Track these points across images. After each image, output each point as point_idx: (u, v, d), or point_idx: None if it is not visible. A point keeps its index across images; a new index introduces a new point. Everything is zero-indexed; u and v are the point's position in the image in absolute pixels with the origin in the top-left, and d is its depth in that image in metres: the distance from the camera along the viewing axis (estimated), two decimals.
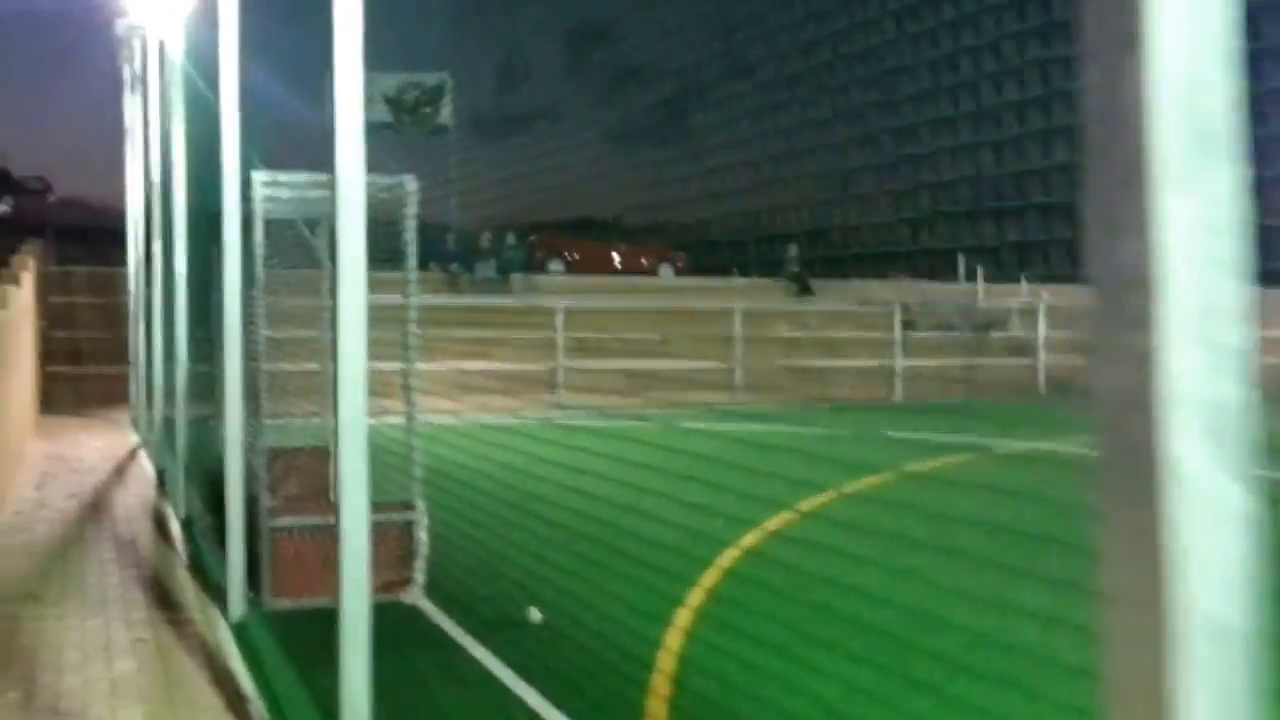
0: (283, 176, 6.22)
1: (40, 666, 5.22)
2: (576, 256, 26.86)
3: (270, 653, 5.61)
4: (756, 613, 5.39)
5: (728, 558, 7.46)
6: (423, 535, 6.40)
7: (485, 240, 23.69)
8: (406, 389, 6.31)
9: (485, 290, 22.12)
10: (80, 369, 19.32)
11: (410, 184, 6.10)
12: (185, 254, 8.90)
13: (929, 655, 4.66)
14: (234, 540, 5.93)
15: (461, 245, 23.62)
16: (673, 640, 5.63)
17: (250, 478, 6.39)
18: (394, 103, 26.40)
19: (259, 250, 6.22)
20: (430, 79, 27.12)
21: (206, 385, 8.99)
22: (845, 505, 8.58)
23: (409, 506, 6.42)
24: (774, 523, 8.66)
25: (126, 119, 17.08)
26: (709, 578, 6.82)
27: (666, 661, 5.28)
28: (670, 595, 5.98)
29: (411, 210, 6.10)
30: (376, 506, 6.68)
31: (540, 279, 23.92)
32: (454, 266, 22.56)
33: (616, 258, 27.90)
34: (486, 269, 22.98)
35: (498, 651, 5.49)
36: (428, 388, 8.45)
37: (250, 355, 6.31)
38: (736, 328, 20.01)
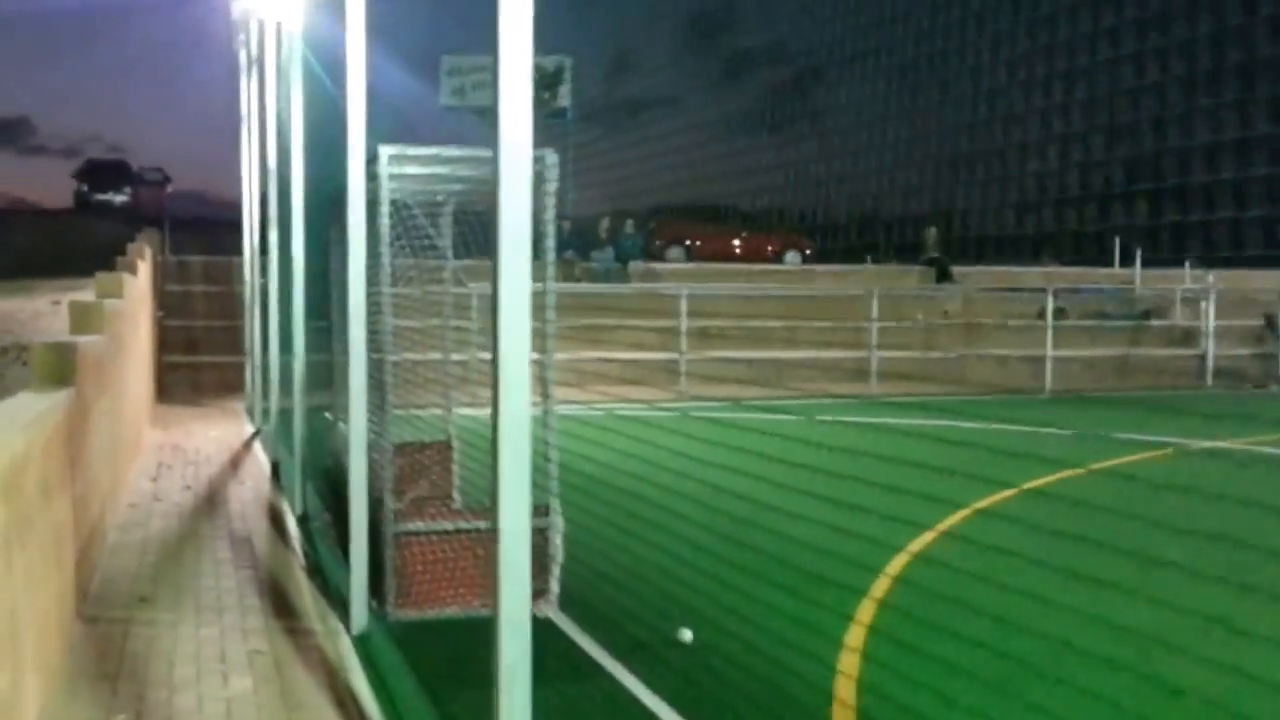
0: (411, 151, 5.84)
1: (151, 683, 4.94)
2: (698, 243, 26.33)
3: (396, 671, 5.25)
4: (943, 629, 4.81)
5: (897, 564, 6.91)
6: (558, 542, 5.98)
7: (604, 228, 23.34)
8: (542, 381, 5.89)
9: (603, 279, 21.77)
10: (196, 358, 19.51)
11: (550, 157, 5.67)
12: (303, 241, 8.65)
13: (1165, 689, 4.07)
14: (357, 546, 5.59)
15: (578, 233, 23.32)
16: (848, 664, 5.12)
17: (372, 477, 6.06)
18: None
19: (384, 233, 5.85)
20: (549, 62, 26.76)
21: (324, 376, 8.75)
22: (1027, 503, 7.96)
23: (544, 510, 6.00)
24: (946, 523, 8.07)
25: (242, 104, 17.12)
26: (879, 587, 6.27)
27: (845, 689, 4.76)
28: (838, 609, 5.46)
29: (551, 186, 5.68)
30: None
31: (660, 267, 23.48)
32: (570, 254, 22.27)
33: (739, 244, 27.32)
34: (604, 257, 22.63)
35: (645, 676, 5.04)
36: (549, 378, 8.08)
37: (374, 346, 5.97)
38: (874, 314, 19.30)
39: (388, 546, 5.86)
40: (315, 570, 7.07)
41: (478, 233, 7.63)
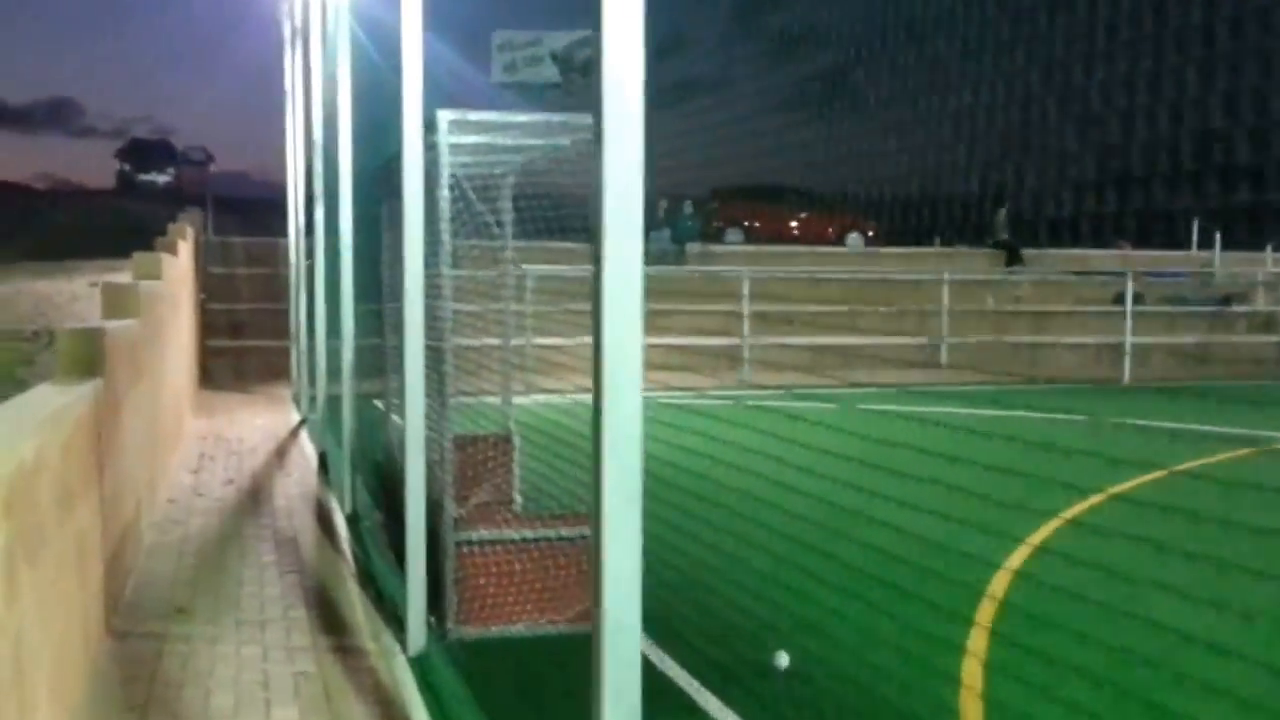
0: (474, 116, 5.25)
1: (186, 712, 4.40)
2: (757, 225, 25.62)
3: (458, 697, 4.70)
4: (1063, 664, 4.18)
5: (999, 583, 6.27)
6: None
7: (661, 209, 22.71)
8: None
9: (660, 261, 21.15)
10: (240, 342, 19.12)
11: None
12: (351, 218, 8.11)
13: None
14: (414, 557, 5.03)
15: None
16: (970, 708, 4.50)
17: (430, 478, 5.49)
18: (563, 61, 25.54)
19: (444, 209, 5.26)
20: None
21: (374, 363, 8.22)
22: (1124, 512, 7.30)
23: None
24: (1039, 534, 7.45)
25: (287, 78, 16.67)
26: (984, 613, 5.64)
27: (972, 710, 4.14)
28: (943, 635, 4.85)
29: None
30: (574, 518, 5.76)
31: (719, 249, 22.81)
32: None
33: (798, 226, 26.58)
34: (661, 239, 21.99)
35: (743, 710, 4.46)
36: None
37: (432, 332, 5.40)
38: (944, 299, 18.56)
39: (448, 557, 5.29)
40: (367, 578, 6.53)
41: (537, 211, 7.08)
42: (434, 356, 5.54)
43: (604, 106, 2.39)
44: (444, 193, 5.24)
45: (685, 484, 5.53)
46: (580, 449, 5.49)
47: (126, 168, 45.49)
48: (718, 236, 25.02)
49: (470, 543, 5.30)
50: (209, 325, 18.90)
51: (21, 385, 8.61)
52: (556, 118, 5.15)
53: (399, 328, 7.56)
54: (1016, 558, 6.84)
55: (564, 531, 5.31)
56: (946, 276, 18.88)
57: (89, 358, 5.50)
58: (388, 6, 8.69)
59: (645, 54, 2.49)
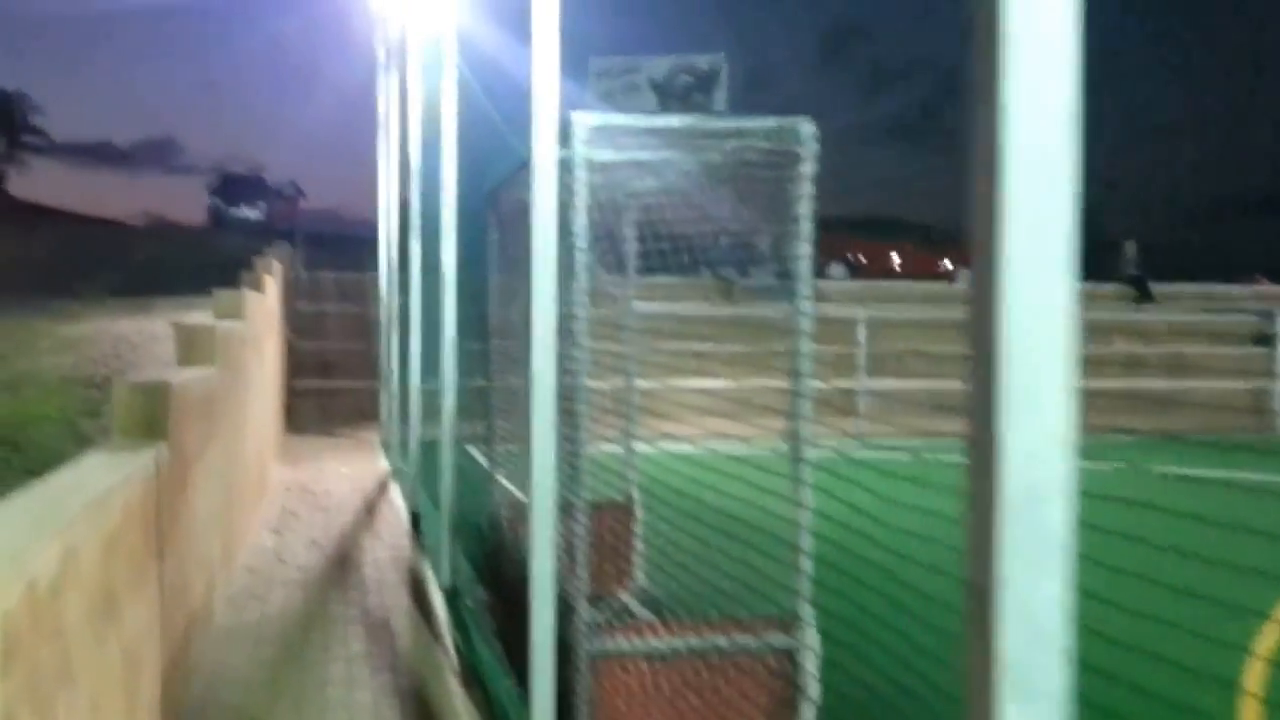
0: (621, 120, 4.25)
1: None
2: (862, 259, 24.44)
3: None
4: None
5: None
6: (812, 670, 4.31)
7: (764, 241, 21.60)
8: (795, 418, 4.27)
9: (763, 298, 20.04)
10: (328, 383, 18.40)
11: (806, 128, 4.05)
12: (454, 251, 7.19)
13: None
14: (540, 677, 3.99)
15: (736, 247, 21.58)
16: None
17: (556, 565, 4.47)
18: (661, 89, 24.66)
19: (581, 234, 4.26)
20: (702, 61, 25.12)
21: (476, 406, 7.29)
22: None
23: (790, 622, 4.34)
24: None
25: (380, 106, 15.97)
26: None
27: None
28: None
29: (808, 170, 4.05)
30: (739, 625, 4.70)
31: (826, 285, 21.67)
32: (728, 271, 20.63)
33: (908, 260, 25.34)
34: (764, 274, 20.89)
35: None
36: (708, 408, 6.53)
37: (563, 378, 4.39)
38: (1078, 339, 17.17)
39: (579, 672, 4.26)
40: (471, 675, 5.52)
41: (673, 240, 6.10)
42: (566, 409, 4.54)
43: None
44: (580, 218, 4.24)
45: (830, 558, 4.45)
46: (751, 523, 4.46)
47: (217, 203, 45.55)
48: (820, 271, 23.90)
49: (612, 655, 4.26)
50: (296, 364, 18.21)
51: (83, 441, 7.82)
52: (726, 123, 4.15)
53: (506, 370, 6.64)
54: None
55: (735, 641, 4.26)
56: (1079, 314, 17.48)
57: (150, 417, 4.59)
58: (495, 27, 7.86)
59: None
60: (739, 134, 4.15)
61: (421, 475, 10.19)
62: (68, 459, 4.20)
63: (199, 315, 10.46)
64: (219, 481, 6.67)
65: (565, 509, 5.92)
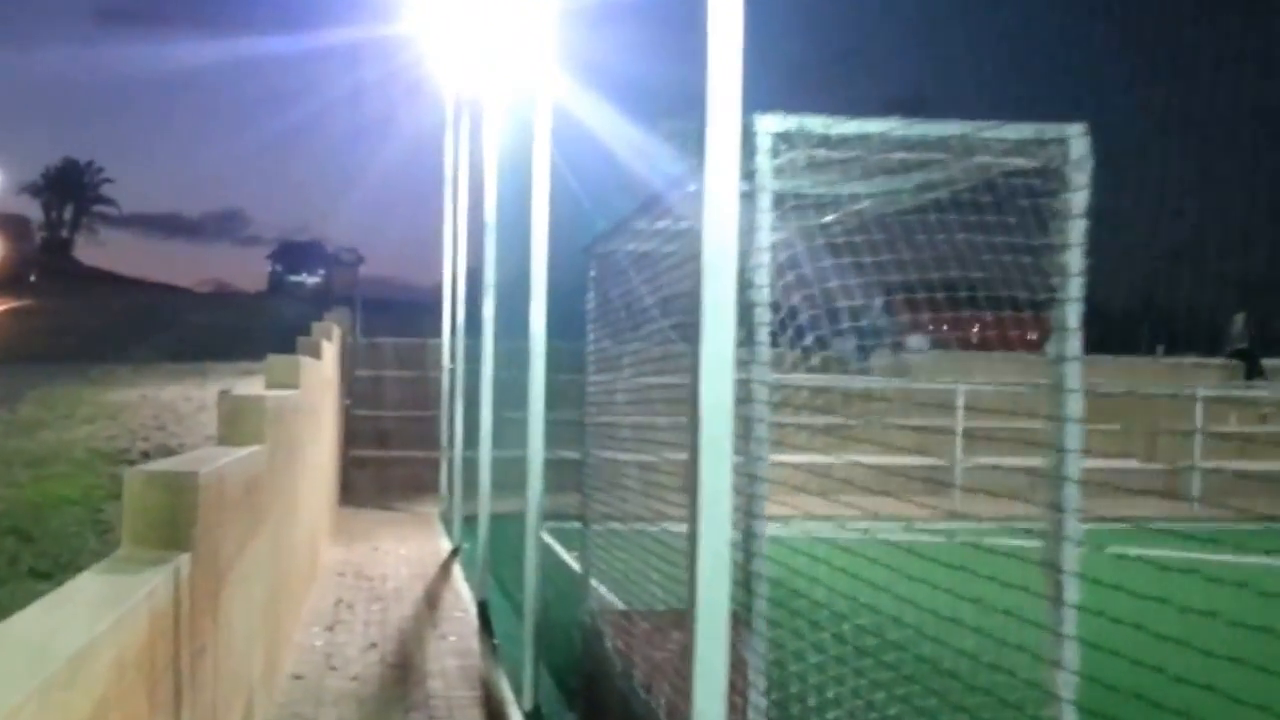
0: (817, 123, 3.13)
1: None
2: (944, 328, 23.14)
3: None
4: None
5: None
6: None
7: (847, 311, 20.40)
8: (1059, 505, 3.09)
9: (844, 369, 18.84)
10: (386, 453, 17.38)
11: (1077, 137, 2.92)
12: (544, 312, 6.14)
13: None
14: None
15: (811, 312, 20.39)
16: None
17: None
18: None
19: (763, 283, 3.14)
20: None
21: (565, 481, 6.22)
22: None
23: None
24: None
25: (447, 165, 15.10)
26: None
27: None
28: None
29: (1080, 195, 2.93)
30: None
31: (913, 357, 20.40)
32: (808, 340, 19.39)
33: (988, 329, 23.97)
34: (845, 343, 19.66)
35: None
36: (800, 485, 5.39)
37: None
38: (1198, 418, 15.85)
39: None
40: None
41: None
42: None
43: None
44: (762, 263, 3.12)
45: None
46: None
47: (278, 269, 45.05)
48: (900, 341, 22.61)
49: None
50: (352, 433, 17.23)
51: (104, 531, 6.79)
52: (959, 129, 3.03)
53: (609, 444, 5.52)
54: None
55: None
56: (1201, 392, 16.16)
57: (171, 520, 3.51)
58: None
59: None
60: (982, 145, 3.05)
61: (492, 558, 9.08)
62: (85, 553, 3.19)
63: (252, 383, 9.46)
64: (263, 581, 5.58)
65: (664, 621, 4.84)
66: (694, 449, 2.76)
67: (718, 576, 2.80)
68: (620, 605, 5.51)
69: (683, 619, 5.37)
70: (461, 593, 9.43)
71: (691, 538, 2.84)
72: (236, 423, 5.52)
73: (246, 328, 23.16)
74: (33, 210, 70.58)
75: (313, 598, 8.77)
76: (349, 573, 10.14)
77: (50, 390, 11.65)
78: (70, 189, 70.83)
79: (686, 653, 2.93)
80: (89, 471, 8.31)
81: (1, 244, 35.92)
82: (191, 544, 3.51)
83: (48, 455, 8.58)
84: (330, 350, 12.91)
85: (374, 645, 7.44)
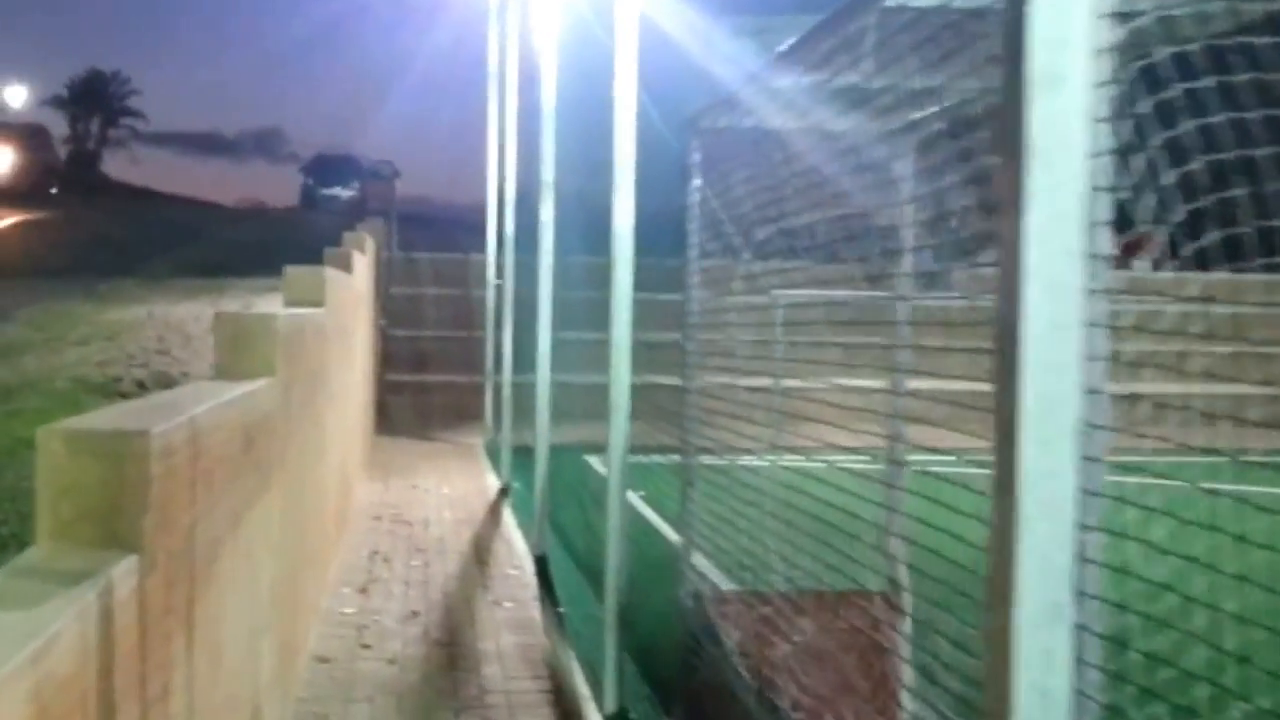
0: None
1: None
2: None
3: None
4: None
5: None
6: None
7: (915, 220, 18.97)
8: None
9: (919, 287, 17.39)
10: (425, 377, 16.27)
11: None
12: (631, 215, 4.88)
13: None
14: None
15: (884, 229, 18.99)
16: None
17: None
18: None
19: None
20: None
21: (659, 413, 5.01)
22: None
23: None
24: None
25: (491, 53, 13.77)
26: None
27: None
28: None
29: None
30: None
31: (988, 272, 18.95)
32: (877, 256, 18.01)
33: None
34: (922, 259, 18.26)
35: None
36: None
37: None
38: None
39: None
40: None
41: None
42: None
43: None
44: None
45: None
46: None
47: (310, 183, 43.61)
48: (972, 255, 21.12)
49: None
50: (390, 355, 16.13)
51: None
52: None
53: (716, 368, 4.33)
54: None
55: None
56: None
57: (110, 503, 2.32)
58: None
59: None
60: None
61: (551, 503, 7.94)
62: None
63: (273, 301, 8.31)
64: (275, 552, 4.42)
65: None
66: (1017, 373, 1.53)
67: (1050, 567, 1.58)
68: (733, 584, 4.33)
69: (833, 603, 4.15)
70: (514, 543, 8.30)
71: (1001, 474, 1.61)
72: (239, 350, 4.34)
73: (275, 242, 22.02)
74: (59, 125, 69.73)
75: (343, 550, 7.66)
76: (385, 516, 9.03)
77: (47, 307, 10.54)
78: (96, 100, 69.68)
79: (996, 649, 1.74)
80: (68, 406, 7.19)
81: (17, 154, 34.86)
82: (140, 540, 2.32)
83: (22, 386, 7.47)
84: (363, 264, 11.70)
85: (415, 614, 6.31)
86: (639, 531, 6.04)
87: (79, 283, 12.83)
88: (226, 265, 16.93)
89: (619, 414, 4.79)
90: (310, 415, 5.85)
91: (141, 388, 8.61)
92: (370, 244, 13.46)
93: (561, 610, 6.41)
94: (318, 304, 6.58)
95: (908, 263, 4.22)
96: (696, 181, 4.55)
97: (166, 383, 8.66)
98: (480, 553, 8.02)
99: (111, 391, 8.08)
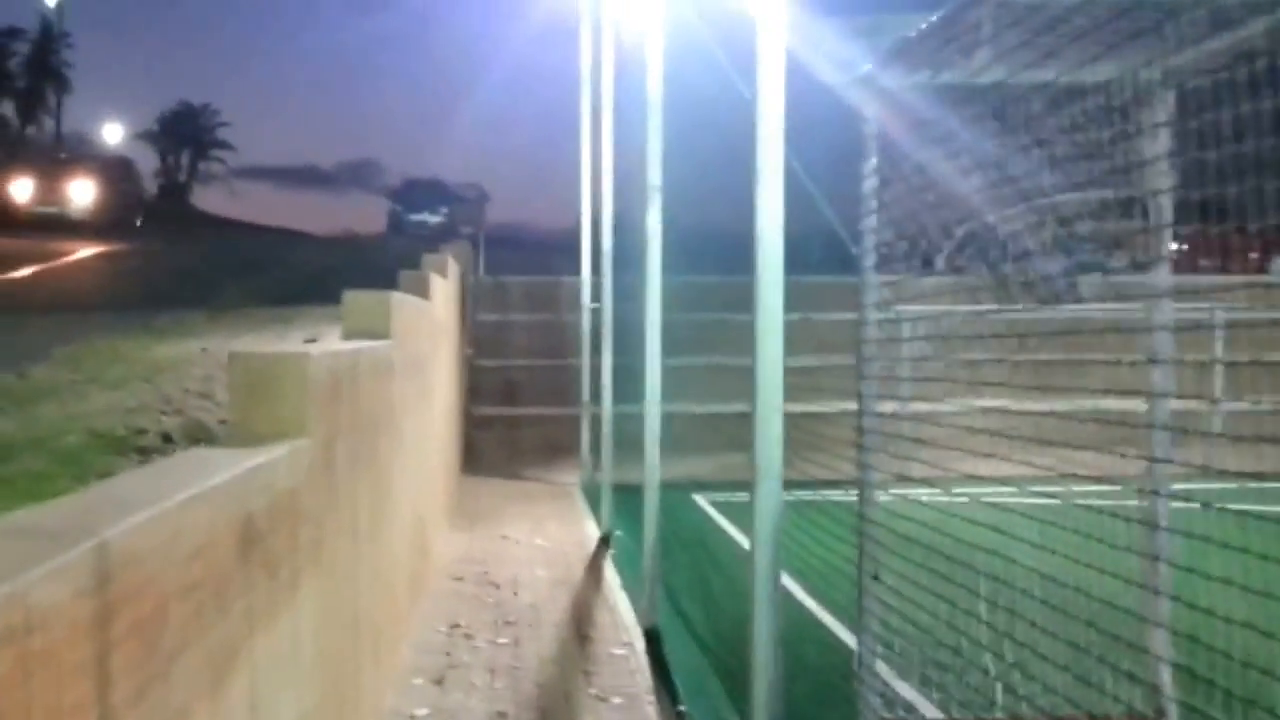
0: None
1: None
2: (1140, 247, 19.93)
3: None
4: None
5: None
6: None
7: (1048, 229, 17.53)
8: None
9: (1045, 300, 15.94)
10: (514, 410, 15.24)
11: None
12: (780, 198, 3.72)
13: None
14: None
15: (1009, 236, 17.55)
16: None
17: None
18: None
19: None
20: None
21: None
22: None
23: None
24: None
25: (584, 52, 12.81)
26: None
27: None
28: None
29: None
30: None
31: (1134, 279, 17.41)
32: (1006, 265, 16.62)
33: (1191, 248, 20.68)
34: (1052, 266, 16.79)
35: None
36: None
37: None
38: None
39: None
40: None
41: None
42: None
43: None
44: None
45: None
46: None
47: (397, 209, 42.95)
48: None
49: None
50: (476, 387, 15.14)
51: None
52: None
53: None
54: None
55: None
56: None
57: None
58: None
59: None
60: None
61: (664, 565, 6.82)
62: None
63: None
64: (308, 668, 3.33)
65: None
66: None
67: None
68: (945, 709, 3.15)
69: None
70: (620, 611, 7.17)
71: None
72: (259, 402, 3.31)
73: (357, 269, 21.27)
74: (151, 159, 70.78)
75: (417, 624, 6.59)
76: (469, 576, 7.96)
77: (91, 344, 9.70)
78: (185, 133, 70.45)
79: None
80: (74, 466, 6.22)
81: (101, 186, 34.81)
82: None
83: (26, 441, 6.53)
84: (445, 288, 10.69)
85: (502, 717, 5.19)
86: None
87: (141, 315, 12.03)
88: (302, 294, 16.11)
89: (768, 477, 3.62)
90: (369, 474, 4.78)
91: (167, 441, 7.60)
92: (453, 267, 12.46)
93: (683, 709, 5.25)
94: (382, 334, 5.55)
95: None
96: (872, 162, 3.39)
97: (199, 435, 7.70)
98: (580, 624, 6.90)
99: (130, 447, 7.12)
